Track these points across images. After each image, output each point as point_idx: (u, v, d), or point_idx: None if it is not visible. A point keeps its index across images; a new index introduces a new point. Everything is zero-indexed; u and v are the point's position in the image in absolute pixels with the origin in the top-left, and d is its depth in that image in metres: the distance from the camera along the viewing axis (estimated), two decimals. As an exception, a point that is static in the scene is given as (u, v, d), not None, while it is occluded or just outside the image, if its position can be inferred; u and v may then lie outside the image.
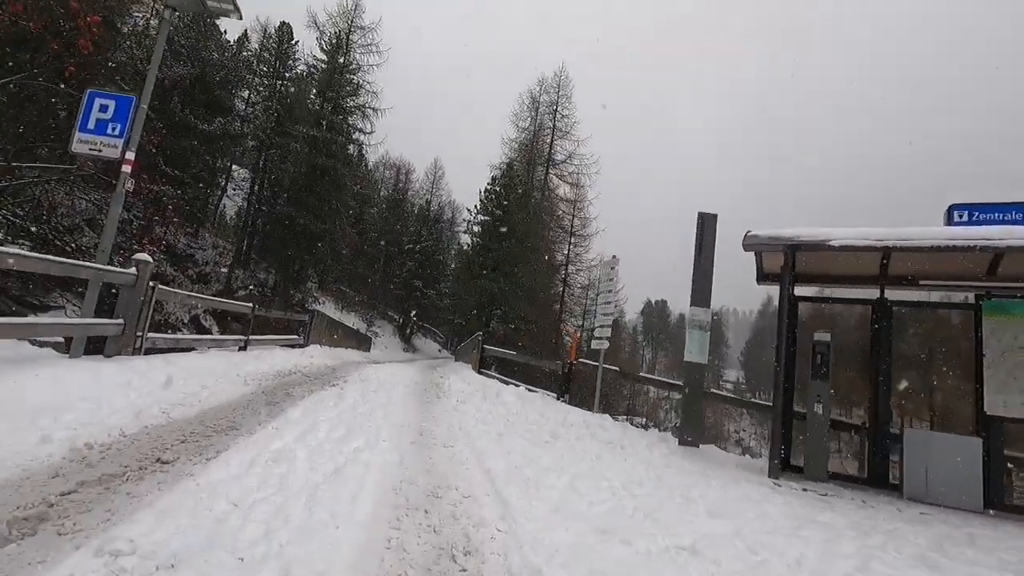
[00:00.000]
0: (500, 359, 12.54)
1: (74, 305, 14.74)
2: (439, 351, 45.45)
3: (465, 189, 50.79)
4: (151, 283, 5.55)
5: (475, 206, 26.53)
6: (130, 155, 5.17)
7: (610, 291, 7.49)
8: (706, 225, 6.64)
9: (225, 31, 24.95)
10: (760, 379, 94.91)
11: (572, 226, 28.81)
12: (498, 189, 25.81)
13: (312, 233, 24.88)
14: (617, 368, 7.43)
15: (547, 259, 29.81)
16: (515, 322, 23.85)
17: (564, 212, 33.76)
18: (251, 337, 8.04)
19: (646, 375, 7.40)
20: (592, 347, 7.39)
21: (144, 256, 5.32)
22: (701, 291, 6.53)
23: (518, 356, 11.04)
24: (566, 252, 28.57)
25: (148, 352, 5.81)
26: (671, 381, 7.40)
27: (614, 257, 7.58)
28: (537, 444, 4.54)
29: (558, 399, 7.72)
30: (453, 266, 45.91)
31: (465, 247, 27.21)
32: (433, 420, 5.27)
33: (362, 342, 19.66)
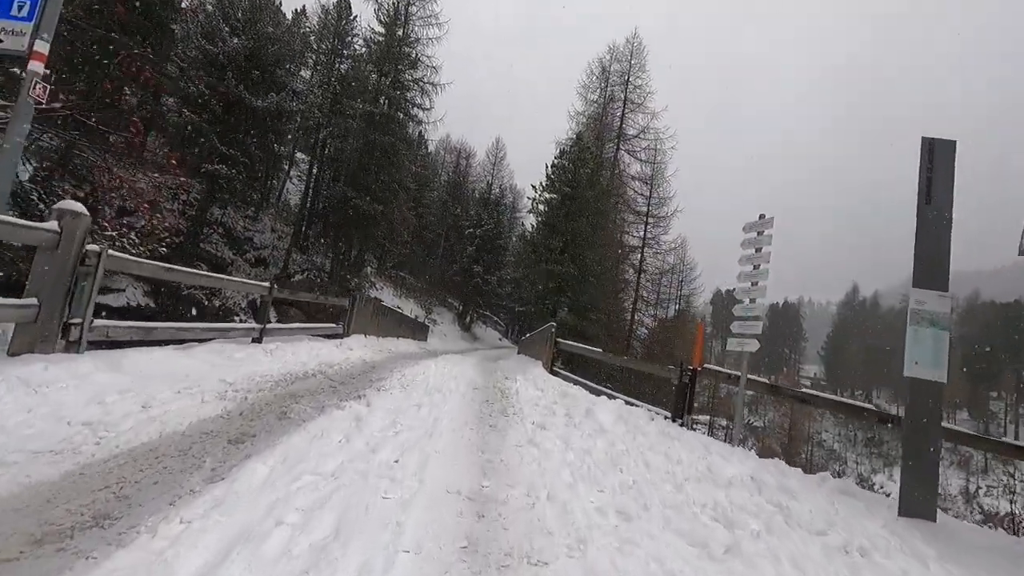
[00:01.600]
0: (574, 355, 10.27)
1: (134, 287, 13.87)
2: (499, 339, 43.93)
3: (523, 173, 48.63)
4: (95, 247, 3.77)
5: (540, 183, 24.26)
6: (42, 46, 3.37)
7: (756, 267, 5.08)
8: (937, 157, 4.09)
9: (280, 3, 23.99)
10: (845, 379, 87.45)
11: (649, 204, 25.87)
12: (566, 163, 23.35)
13: (368, 215, 23.60)
14: (767, 381, 5.02)
15: (619, 241, 27.16)
16: (584, 311, 21.47)
17: (636, 192, 30.84)
18: (268, 325, 6.28)
19: (822, 395, 4.95)
20: (729, 347, 5.04)
21: (73, 205, 3.52)
22: (931, 263, 4.00)
23: (610, 357, 8.64)
24: (641, 234, 25.72)
25: (100, 346, 4.09)
26: (868, 406, 4.91)
27: (762, 217, 5.14)
28: (708, 552, 2.32)
29: (673, 421, 5.44)
30: (515, 250, 44.06)
31: (529, 229, 25.02)
32: (502, 472, 3.16)
33: (418, 331, 18.06)
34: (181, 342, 5.08)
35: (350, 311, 9.21)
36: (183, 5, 21.70)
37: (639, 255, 25.52)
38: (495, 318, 47.27)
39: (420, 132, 30.59)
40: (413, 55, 26.64)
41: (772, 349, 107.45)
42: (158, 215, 8.73)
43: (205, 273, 5.01)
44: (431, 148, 45.38)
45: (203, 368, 4.27)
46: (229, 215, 22.86)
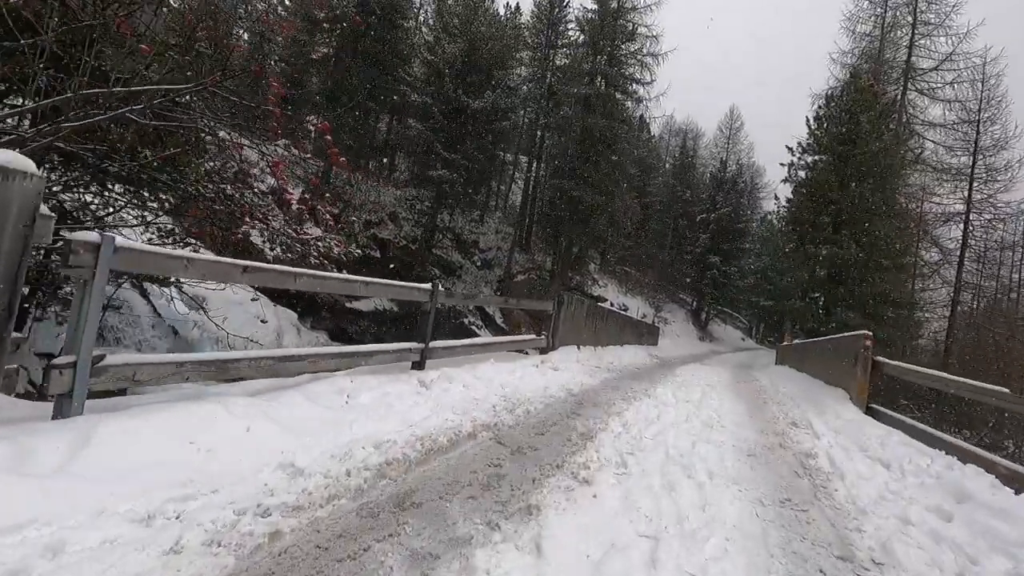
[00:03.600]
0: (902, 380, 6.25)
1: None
2: (742, 339, 37.95)
3: (759, 150, 40.85)
4: (90, 235, 2.26)
5: (797, 144, 18.96)
6: None
7: None
8: None
9: (494, 1, 23.93)
10: None
11: (975, 155, 18.01)
12: (835, 112, 17.70)
13: (587, 206, 21.75)
14: None
15: (915, 211, 19.77)
16: (875, 308, 15.70)
17: (938, 143, 22.28)
18: (432, 344, 4.49)
19: None
20: None
21: (18, 160, 2.00)
22: None
23: None
24: (965, 195, 18.01)
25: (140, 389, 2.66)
26: None
27: None
28: None
29: None
30: (759, 235, 37.34)
31: (784, 203, 19.81)
32: None
33: (646, 334, 15.30)
34: (306, 376, 3.53)
35: (555, 317, 7.10)
36: (410, 24, 23.21)
37: (961, 225, 17.83)
38: (735, 315, 41.01)
39: (641, 115, 27.74)
40: (629, 27, 23.97)
41: None
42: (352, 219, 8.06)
43: (310, 272, 3.33)
44: (654, 131, 41.71)
45: (266, 438, 2.49)
46: (456, 220, 23.63)
